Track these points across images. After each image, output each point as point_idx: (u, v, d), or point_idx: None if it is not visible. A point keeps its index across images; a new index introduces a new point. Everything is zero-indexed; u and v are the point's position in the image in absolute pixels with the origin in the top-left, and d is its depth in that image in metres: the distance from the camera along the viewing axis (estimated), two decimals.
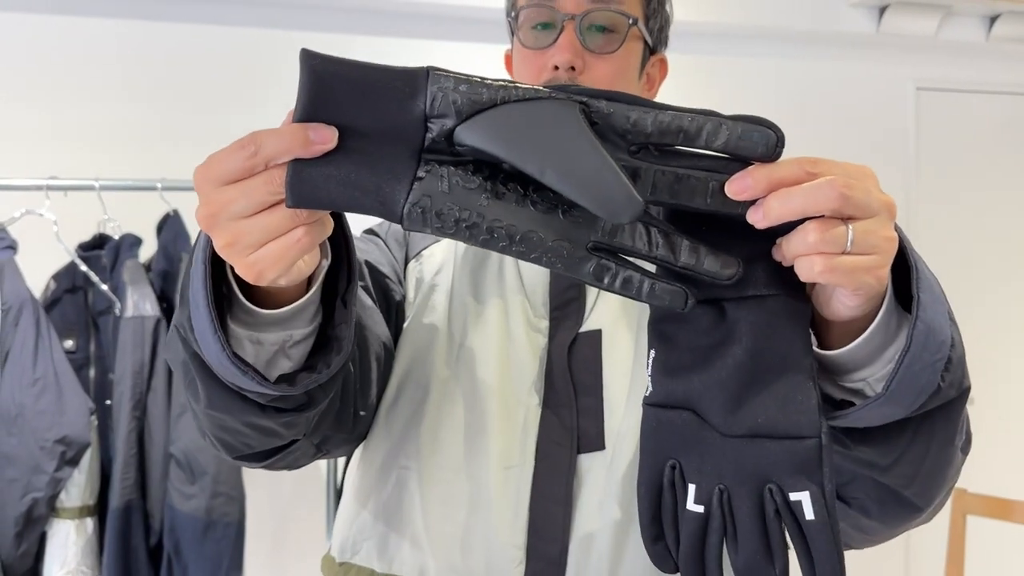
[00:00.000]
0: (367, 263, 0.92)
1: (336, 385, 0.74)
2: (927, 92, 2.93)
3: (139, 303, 1.78)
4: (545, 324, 0.90)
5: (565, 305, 0.91)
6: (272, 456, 0.78)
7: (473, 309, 0.92)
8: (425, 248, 0.97)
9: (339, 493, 2.12)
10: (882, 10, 2.73)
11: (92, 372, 1.96)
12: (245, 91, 2.33)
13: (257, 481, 1.83)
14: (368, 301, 0.88)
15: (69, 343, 1.90)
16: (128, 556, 1.75)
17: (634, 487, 0.73)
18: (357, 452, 0.96)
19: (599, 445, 0.85)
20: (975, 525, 2.20)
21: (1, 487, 1.68)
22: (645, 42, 0.96)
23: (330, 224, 0.61)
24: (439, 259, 0.96)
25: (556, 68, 0.92)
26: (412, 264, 0.97)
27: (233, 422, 0.71)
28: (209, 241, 0.62)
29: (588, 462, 0.85)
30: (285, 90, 2.53)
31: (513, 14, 0.96)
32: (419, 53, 2.45)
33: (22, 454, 1.68)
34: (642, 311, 0.85)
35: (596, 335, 0.89)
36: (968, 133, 2.98)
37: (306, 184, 0.56)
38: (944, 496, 0.77)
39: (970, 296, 2.96)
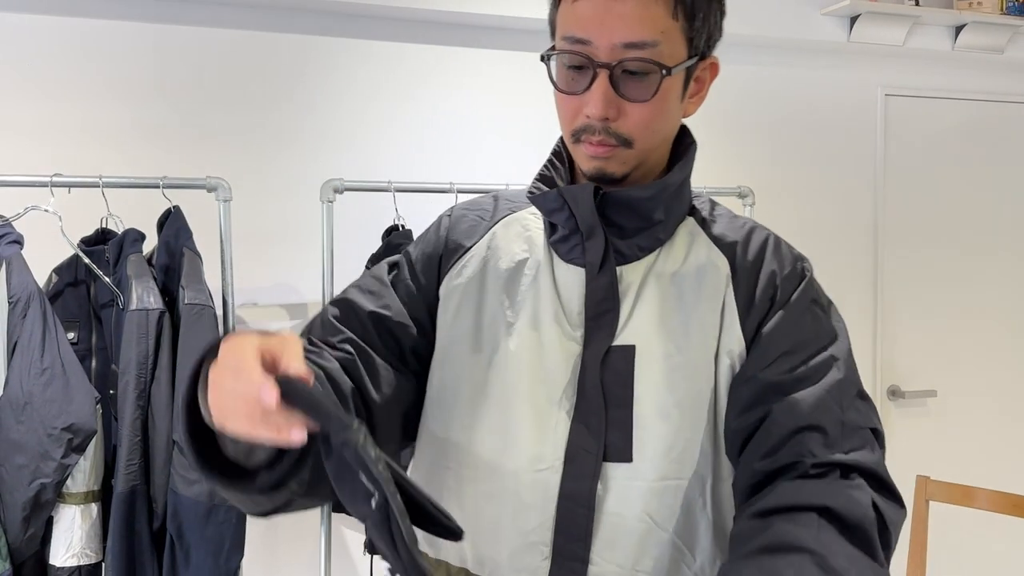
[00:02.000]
0: (375, 314, 0.99)
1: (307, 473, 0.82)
2: (895, 98, 3.05)
3: (143, 296, 1.84)
4: (580, 333, 0.94)
5: (600, 316, 0.94)
6: (282, 511, 0.87)
7: (507, 316, 0.97)
8: (459, 258, 1.02)
9: None
10: (853, 20, 2.84)
11: (94, 363, 2.02)
12: (245, 91, 2.40)
13: None
14: (380, 366, 0.96)
15: (71, 335, 1.96)
16: (132, 539, 1.82)
17: (659, 499, 0.85)
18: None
19: (627, 457, 0.90)
20: (937, 511, 2.32)
21: (10, 473, 1.74)
22: (688, 67, 0.94)
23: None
24: (473, 268, 1.01)
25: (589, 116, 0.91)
26: (450, 273, 1.02)
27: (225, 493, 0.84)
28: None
29: (614, 471, 0.90)
30: (281, 90, 2.61)
31: (549, 52, 0.95)
32: (435, 58, 2.53)
33: (31, 441, 1.73)
34: (675, 326, 0.92)
35: (630, 350, 0.92)
36: (934, 137, 3.11)
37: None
38: None
39: (935, 296, 3.09)
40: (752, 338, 0.93)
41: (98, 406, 1.83)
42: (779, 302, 0.94)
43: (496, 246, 1.02)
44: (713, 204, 1.06)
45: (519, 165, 2.39)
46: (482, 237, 1.04)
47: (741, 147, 2.86)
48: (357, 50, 2.49)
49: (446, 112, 2.57)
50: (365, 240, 2.27)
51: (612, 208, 0.95)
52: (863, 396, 0.92)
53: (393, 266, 1.07)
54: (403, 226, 2.22)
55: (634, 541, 0.89)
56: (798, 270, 0.97)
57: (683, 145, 1.01)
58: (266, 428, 0.71)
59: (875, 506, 0.83)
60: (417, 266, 1.04)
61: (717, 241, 0.99)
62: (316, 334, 0.99)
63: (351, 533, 2.46)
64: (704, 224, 1.01)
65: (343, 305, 1.01)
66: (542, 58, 0.95)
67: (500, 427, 0.94)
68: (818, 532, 0.80)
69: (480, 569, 0.95)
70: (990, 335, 3.18)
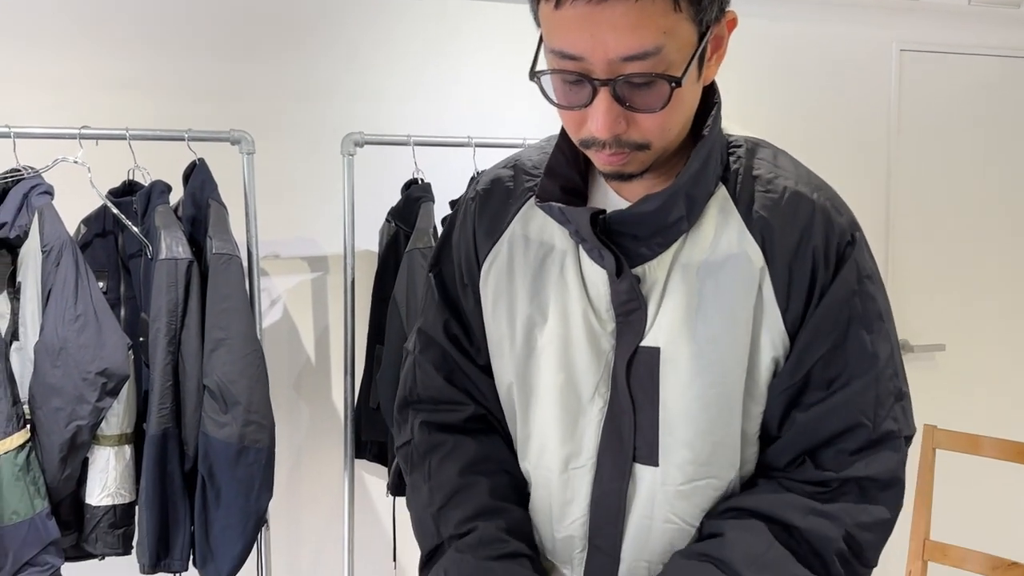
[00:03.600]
0: (465, 332, 1.04)
1: None
2: (909, 53, 3.05)
3: (172, 246, 1.89)
4: (612, 327, 0.92)
5: (629, 313, 0.91)
6: None
7: (537, 315, 0.96)
8: (488, 255, 1.01)
9: (357, 418, 2.26)
10: None
11: (123, 312, 2.07)
12: (269, 44, 2.42)
13: (276, 410, 1.96)
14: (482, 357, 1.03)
15: (100, 285, 2.01)
16: (164, 479, 1.89)
17: (686, 501, 0.88)
18: None
19: (653, 462, 0.90)
20: (944, 459, 2.37)
21: (47, 415, 1.80)
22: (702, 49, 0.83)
23: None
24: (502, 263, 1.00)
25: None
26: (483, 267, 1.01)
27: None
28: None
29: (642, 473, 0.91)
30: (305, 43, 2.62)
31: (538, 72, 0.84)
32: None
33: (66, 385, 1.79)
34: (702, 324, 0.88)
35: (655, 353, 0.89)
36: (948, 93, 3.11)
37: None
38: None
39: (948, 252, 3.12)
40: (797, 329, 0.89)
41: (130, 352, 1.89)
42: (821, 286, 0.89)
43: (521, 236, 0.99)
44: (753, 154, 0.94)
45: (539, 121, 2.42)
46: (507, 226, 1.00)
47: (753, 102, 2.87)
48: (386, 4, 2.50)
49: (472, 67, 2.58)
50: (385, 194, 2.31)
51: (618, 226, 0.90)
52: (900, 396, 0.92)
53: (448, 289, 1.07)
54: (422, 180, 2.25)
55: (663, 540, 0.92)
56: (844, 244, 0.90)
57: (707, 105, 0.91)
58: None
59: (848, 536, 0.87)
60: (466, 278, 1.04)
61: (750, 221, 0.90)
62: (432, 395, 1.05)
63: (372, 479, 2.53)
64: (737, 196, 0.91)
65: (454, 374, 1.06)
66: (531, 77, 0.84)
67: (540, 425, 0.97)
68: (767, 549, 0.86)
69: (544, 550, 1.00)
70: (1000, 291, 3.21)
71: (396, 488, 2.21)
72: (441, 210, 2.21)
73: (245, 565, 2.02)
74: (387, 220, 2.29)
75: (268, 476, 1.90)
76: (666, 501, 0.91)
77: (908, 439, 0.93)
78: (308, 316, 2.47)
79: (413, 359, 1.07)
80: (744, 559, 0.85)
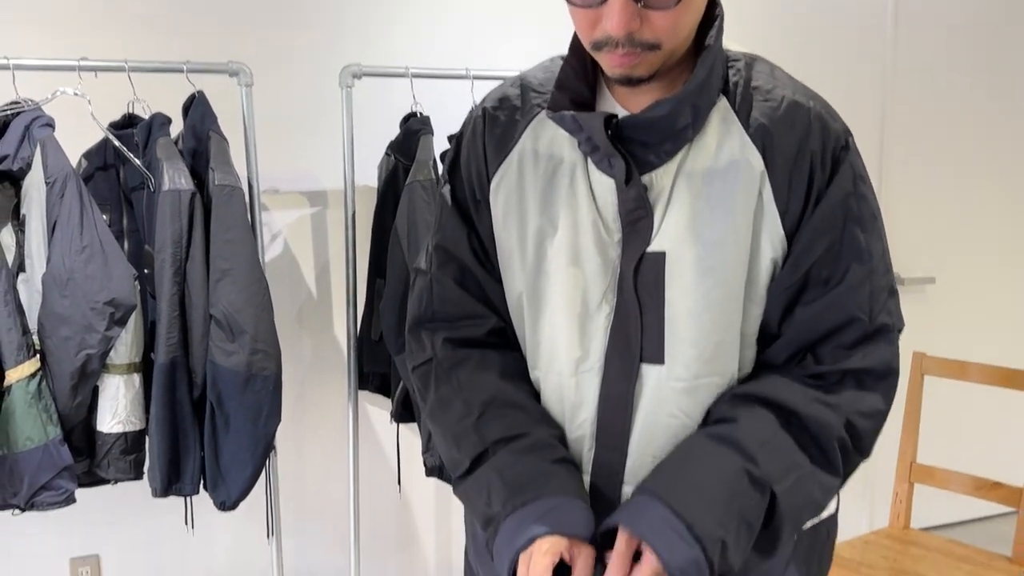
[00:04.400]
0: (481, 246, 1.06)
1: None
2: None
3: (175, 178, 1.90)
4: (618, 237, 0.97)
5: (635, 222, 0.96)
6: None
7: (547, 226, 1.00)
8: (499, 166, 1.04)
9: (359, 350, 2.30)
10: None
11: (126, 245, 2.09)
12: None
13: (280, 344, 1.99)
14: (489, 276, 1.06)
15: (103, 218, 2.03)
16: (174, 407, 1.93)
17: (690, 397, 0.93)
18: None
19: (659, 359, 0.95)
20: (931, 385, 2.43)
21: (57, 344, 1.84)
22: None
23: None
24: (512, 177, 1.03)
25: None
26: (493, 180, 1.04)
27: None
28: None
29: (648, 372, 0.96)
30: None
31: None
32: None
33: (75, 315, 1.82)
34: (705, 228, 0.92)
35: (660, 257, 0.94)
36: (944, 28, 3.11)
37: None
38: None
39: (944, 183, 3.15)
40: (795, 231, 0.94)
41: (136, 283, 1.92)
42: (818, 189, 0.94)
43: (531, 151, 1.02)
44: (751, 67, 0.99)
45: (536, 50, 2.41)
46: (516, 142, 1.03)
47: (746, 36, 2.87)
48: None
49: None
50: (384, 129, 2.32)
51: (630, 131, 0.94)
52: (892, 292, 0.98)
53: (462, 204, 1.08)
54: (420, 113, 2.26)
55: (667, 435, 0.96)
56: (839, 149, 0.95)
57: (709, 18, 0.95)
58: None
59: (848, 424, 0.93)
60: (477, 194, 1.06)
61: (751, 129, 0.94)
62: (451, 312, 1.08)
63: (375, 409, 2.59)
64: (737, 106, 0.95)
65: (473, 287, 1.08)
66: None
67: (549, 332, 1.00)
68: (773, 436, 0.92)
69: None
70: (990, 225, 3.26)
71: (400, 416, 2.27)
72: (440, 144, 2.22)
73: (253, 491, 2.09)
74: (386, 154, 2.30)
75: (276, 402, 1.95)
76: (671, 398, 0.95)
77: (899, 332, 0.98)
78: (309, 250, 2.49)
79: (429, 277, 1.09)
80: (756, 443, 0.90)
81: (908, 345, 2.91)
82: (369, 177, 2.39)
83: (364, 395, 2.44)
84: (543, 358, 1.02)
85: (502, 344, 1.07)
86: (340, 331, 2.53)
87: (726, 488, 0.88)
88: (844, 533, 3.02)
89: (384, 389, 2.39)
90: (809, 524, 1.04)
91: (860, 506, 3.18)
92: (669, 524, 0.86)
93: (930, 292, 3.19)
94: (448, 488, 2.67)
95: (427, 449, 2.14)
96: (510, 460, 0.96)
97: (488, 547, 0.96)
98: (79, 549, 2.36)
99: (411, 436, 2.51)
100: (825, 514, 1.07)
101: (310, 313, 2.51)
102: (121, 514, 2.37)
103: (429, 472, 2.16)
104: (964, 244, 3.22)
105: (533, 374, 1.05)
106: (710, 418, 0.96)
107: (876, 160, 3.05)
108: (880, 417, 0.96)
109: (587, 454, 1.00)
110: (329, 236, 2.50)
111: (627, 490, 0.97)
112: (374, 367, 2.35)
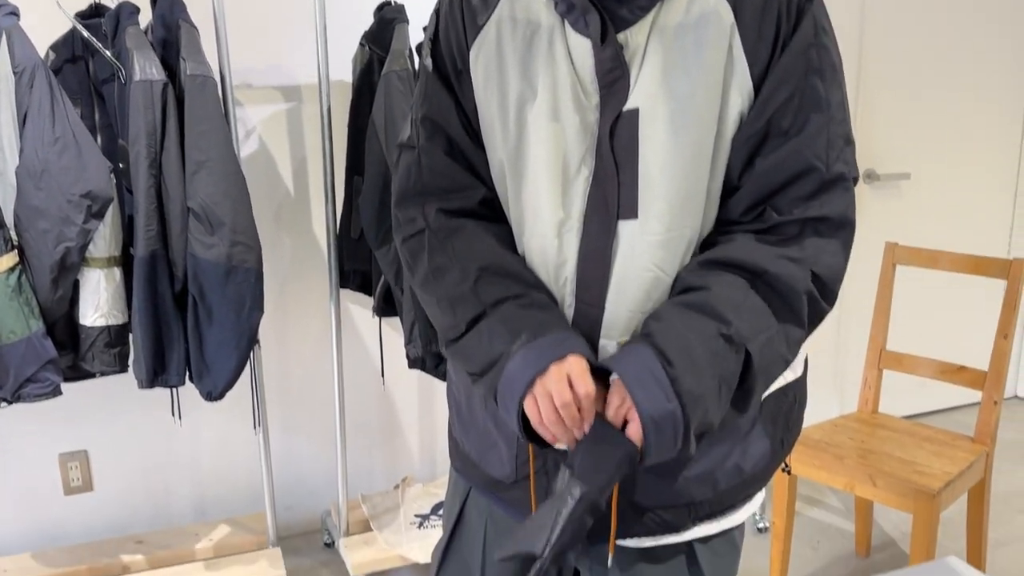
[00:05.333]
0: (466, 116, 1.06)
1: None
2: None
3: (146, 67, 1.87)
4: (596, 100, 0.98)
5: (612, 83, 0.97)
6: None
7: (526, 90, 1.01)
8: (476, 39, 1.04)
9: (339, 247, 2.31)
10: None
11: (99, 140, 2.07)
12: None
13: (260, 238, 1.99)
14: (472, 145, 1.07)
15: (75, 111, 2.00)
16: (155, 299, 1.94)
17: (664, 250, 0.96)
18: None
19: (633, 215, 0.97)
20: (903, 274, 2.48)
21: (35, 238, 1.83)
22: None
23: None
24: (491, 43, 1.03)
25: None
26: (472, 47, 1.05)
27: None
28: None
29: (624, 228, 0.98)
30: None
31: None
32: None
33: (51, 207, 1.81)
34: (677, 83, 0.94)
35: (634, 114, 0.96)
36: None
37: None
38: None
39: (921, 81, 3.15)
40: (761, 82, 0.96)
41: (112, 175, 1.90)
42: (783, 39, 0.95)
43: (508, 17, 1.03)
44: None
45: None
46: (493, 9, 1.04)
47: None
48: None
49: None
50: (358, 19, 2.28)
51: None
52: (849, 141, 1.00)
53: (437, 71, 1.08)
54: (394, 1, 2.22)
55: (642, 288, 0.99)
56: (803, 0, 0.96)
57: None
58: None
59: (815, 276, 0.96)
60: (458, 64, 1.07)
61: None
62: (442, 183, 1.08)
63: (356, 307, 2.61)
64: None
65: (457, 156, 1.09)
66: None
67: (533, 196, 1.02)
68: (745, 299, 0.95)
69: None
70: (965, 124, 3.27)
71: (382, 310, 2.29)
72: (416, 34, 2.19)
73: (240, 386, 2.12)
74: (361, 44, 2.26)
75: (258, 294, 1.96)
76: (646, 251, 0.98)
77: (855, 181, 1.01)
78: (284, 147, 2.47)
79: (417, 150, 1.09)
80: (730, 306, 0.94)
81: (881, 237, 2.98)
82: (344, 71, 2.36)
83: (346, 293, 2.46)
84: (527, 223, 1.04)
85: (493, 215, 1.09)
86: (319, 229, 2.53)
87: (707, 350, 0.92)
88: (813, 417, 3.14)
89: (365, 287, 2.41)
90: (776, 386, 1.09)
91: (830, 393, 3.28)
92: (654, 375, 0.90)
93: (905, 188, 3.22)
94: (430, 379, 2.72)
95: (410, 340, 2.17)
96: (513, 312, 0.99)
97: (488, 390, 0.99)
98: (67, 445, 2.40)
99: (393, 331, 2.54)
100: (791, 376, 1.11)
101: (288, 211, 2.51)
102: (109, 410, 2.40)
103: (412, 364, 2.19)
104: (938, 143, 3.24)
105: (519, 242, 1.07)
106: (679, 285, 0.99)
107: (855, 56, 3.04)
108: (841, 265, 0.99)
109: (567, 311, 1.03)
110: (305, 132, 2.48)
111: (604, 343, 1.01)
112: (355, 265, 2.36)
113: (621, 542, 1.07)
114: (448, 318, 1.04)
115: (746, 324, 0.94)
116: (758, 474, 1.10)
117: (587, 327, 1.01)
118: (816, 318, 0.99)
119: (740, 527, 1.13)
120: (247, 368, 2.08)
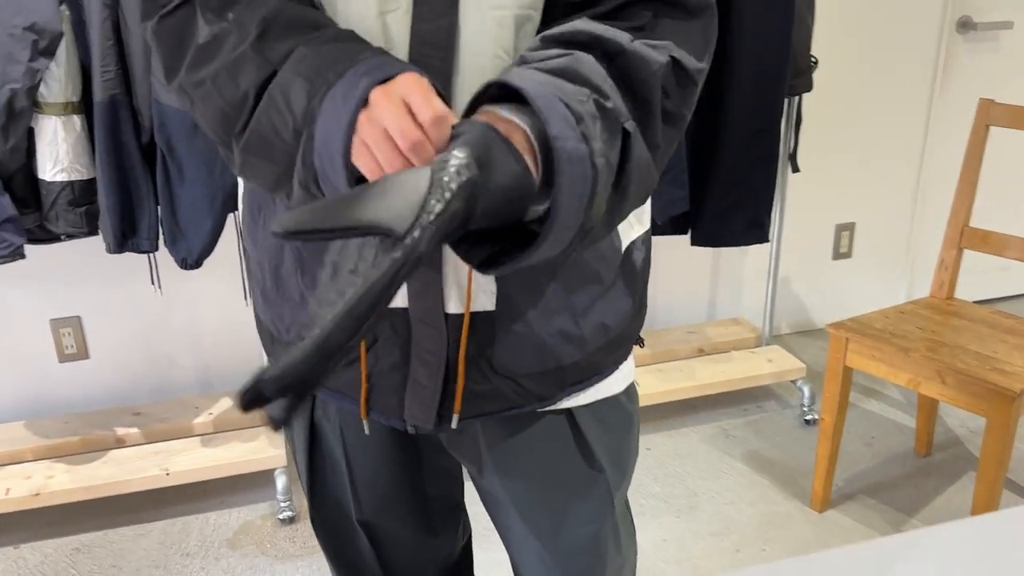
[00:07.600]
0: None
1: None
2: None
3: None
4: None
5: None
6: None
7: None
8: None
9: None
10: None
11: None
12: None
13: None
14: None
15: None
16: (120, 152, 1.72)
17: (510, 32, 0.74)
18: None
19: None
20: (997, 137, 2.13)
21: None
22: None
23: None
24: None
25: None
26: None
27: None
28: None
29: (465, 5, 0.73)
30: None
31: None
32: None
33: None
34: None
35: None
36: None
37: None
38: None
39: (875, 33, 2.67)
40: None
41: (63, 7, 1.65)
42: None
43: None
44: None
45: None
46: None
47: None
48: None
49: None
50: None
51: None
52: None
53: None
54: None
55: (494, 72, 0.74)
56: None
57: None
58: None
59: (674, 61, 0.75)
60: None
61: None
62: None
63: None
64: None
65: None
66: None
67: None
68: (604, 80, 0.72)
69: None
70: None
71: None
72: None
73: (224, 249, 1.92)
74: None
75: None
76: (493, 31, 0.75)
77: None
78: None
79: None
80: (599, 78, 0.71)
81: (975, 92, 2.58)
82: None
83: None
84: (332, 5, 0.76)
85: None
86: None
87: (587, 112, 0.68)
88: (877, 302, 2.82)
89: None
90: (629, 239, 0.90)
91: (899, 274, 2.94)
92: (558, 110, 0.66)
93: (1004, 39, 2.78)
94: None
95: None
96: (310, 55, 0.71)
97: (306, 182, 0.72)
98: (59, 311, 2.25)
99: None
100: (640, 229, 0.92)
101: None
102: (102, 276, 2.23)
103: None
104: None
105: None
106: (527, 61, 0.73)
107: None
108: (702, 56, 0.78)
109: None
110: None
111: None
112: None
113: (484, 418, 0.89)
114: (229, 94, 0.73)
115: (620, 101, 0.71)
116: (623, 334, 0.92)
117: None
118: (671, 135, 0.77)
119: (630, 401, 0.97)
120: (235, 236, 1.87)
